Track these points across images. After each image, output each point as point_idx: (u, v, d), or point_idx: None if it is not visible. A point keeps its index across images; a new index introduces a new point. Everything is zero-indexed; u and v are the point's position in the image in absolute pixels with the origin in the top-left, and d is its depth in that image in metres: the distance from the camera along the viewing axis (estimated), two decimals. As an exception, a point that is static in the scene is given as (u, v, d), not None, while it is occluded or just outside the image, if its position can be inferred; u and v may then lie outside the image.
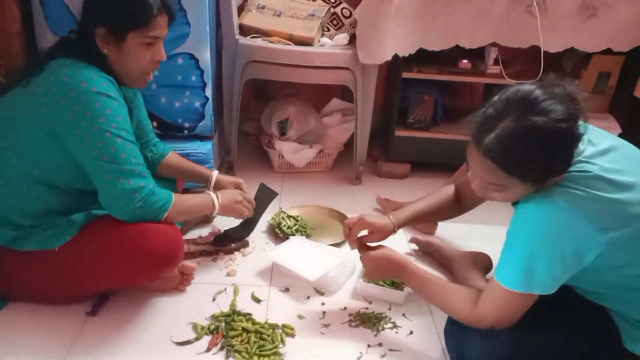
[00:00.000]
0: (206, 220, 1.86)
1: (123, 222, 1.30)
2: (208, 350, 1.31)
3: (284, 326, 1.39)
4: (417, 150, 2.28)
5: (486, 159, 1.03)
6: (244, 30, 2.10)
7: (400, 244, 1.79)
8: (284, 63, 2.01)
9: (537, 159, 1.00)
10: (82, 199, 1.37)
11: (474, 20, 1.95)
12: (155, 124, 1.94)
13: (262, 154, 2.40)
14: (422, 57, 2.07)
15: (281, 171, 2.34)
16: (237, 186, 1.68)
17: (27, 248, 1.31)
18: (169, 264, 1.38)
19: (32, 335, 1.32)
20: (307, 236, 1.80)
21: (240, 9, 2.15)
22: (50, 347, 1.29)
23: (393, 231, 1.44)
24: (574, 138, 1.02)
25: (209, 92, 1.93)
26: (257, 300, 1.50)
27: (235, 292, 1.52)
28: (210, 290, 1.52)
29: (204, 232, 1.79)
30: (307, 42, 2.04)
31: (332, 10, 2.19)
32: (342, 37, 2.11)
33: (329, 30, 2.19)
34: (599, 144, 1.10)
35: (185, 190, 1.81)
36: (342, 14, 2.20)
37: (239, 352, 1.28)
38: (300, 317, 1.45)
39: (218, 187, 1.63)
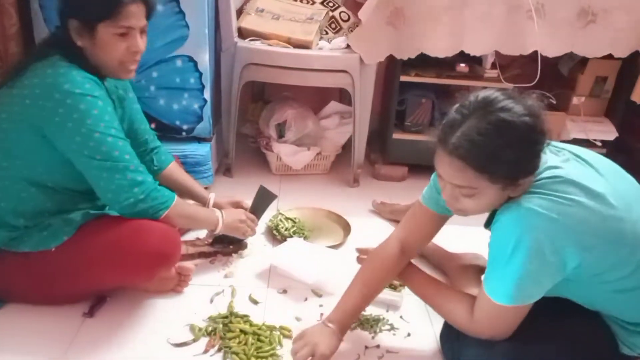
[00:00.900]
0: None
1: (120, 222, 1.30)
2: (205, 351, 1.31)
3: (281, 328, 1.39)
4: (414, 153, 2.29)
5: (453, 158, 1.03)
6: (243, 33, 2.10)
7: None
8: (283, 66, 2.02)
9: (504, 153, 1.00)
10: (75, 198, 1.37)
11: (475, 26, 1.95)
12: (153, 125, 1.94)
13: (260, 156, 2.40)
14: (419, 61, 2.08)
15: (279, 173, 2.34)
16: (236, 205, 1.69)
17: (23, 249, 1.31)
18: (166, 263, 1.38)
19: (29, 337, 1.32)
20: (305, 238, 1.80)
21: (239, 12, 2.15)
22: (47, 348, 1.28)
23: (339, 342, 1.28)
24: (538, 132, 1.02)
25: (207, 94, 1.93)
26: (255, 302, 1.50)
27: (233, 294, 1.52)
28: (207, 291, 1.52)
29: (202, 233, 1.79)
30: (305, 45, 2.05)
31: (331, 13, 2.20)
32: (340, 41, 2.12)
33: (327, 33, 2.20)
34: (560, 154, 1.12)
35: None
36: (341, 18, 2.21)
37: (237, 353, 1.28)
38: (297, 319, 1.45)
39: (216, 208, 1.62)
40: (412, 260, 1.37)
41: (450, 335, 1.26)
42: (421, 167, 2.32)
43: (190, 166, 1.96)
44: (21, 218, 1.31)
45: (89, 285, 1.38)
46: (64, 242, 1.30)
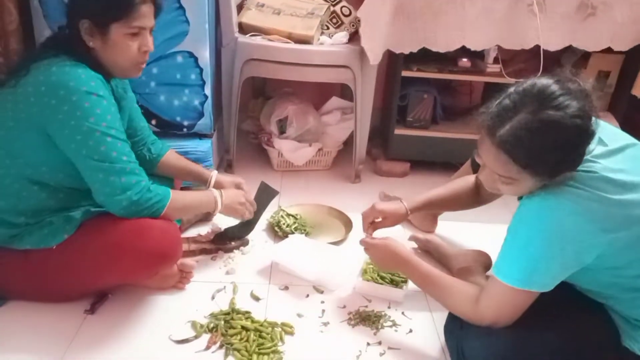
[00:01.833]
0: (206, 218, 1.86)
1: (121, 219, 1.30)
2: (207, 348, 1.30)
3: (283, 324, 1.39)
4: (416, 149, 2.28)
5: (499, 150, 1.02)
6: (243, 29, 2.09)
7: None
8: (283, 61, 2.00)
9: (551, 153, 1.00)
10: (76, 197, 1.37)
11: (477, 21, 1.94)
12: (154, 122, 1.94)
13: (261, 152, 2.40)
14: (421, 56, 2.07)
15: (280, 170, 2.33)
16: (238, 186, 1.68)
17: (24, 247, 1.30)
18: (167, 261, 1.38)
19: (31, 334, 1.32)
20: (307, 234, 1.80)
21: (240, 7, 2.14)
22: (48, 345, 1.28)
23: (406, 215, 1.49)
24: (588, 135, 1.01)
25: (208, 90, 1.93)
26: (256, 299, 1.50)
27: (235, 291, 1.52)
28: (209, 288, 1.52)
29: (203, 230, 1.79)
30: (306, 41, 2.04)
31: (332, 8, 2.19)
32: (342, 36, 2.11)
33: (328, 28, 2.19)
34: (610, 144, 1.10)
35: (184, 189, 1.80)
36: (342, 12, 2.20)
37: (238, 350, 1.28)
38: (299, 315, 1.44)
39: (218, 187, 1.62)
40: (415, 255, 1.37)
41: (455, 327, 1.26)
42: (423, 163, 2.32)
43: (192, 162, 1.95)
44: (22, 216, 1.31)
45: (90, 283, 1.38)
46: (64, 240, 1.30)
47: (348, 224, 1.88)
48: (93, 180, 1.27)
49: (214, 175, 1.67)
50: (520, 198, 1.15)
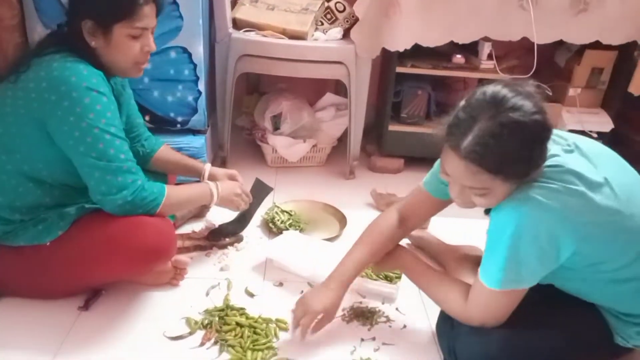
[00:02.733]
0: (200, 213, 1.86)
1: (115, 216, 1.29)
2: (201, 344, 1.31)
3: (277, 320, 1.39)
4: (410, 145, 2.29)
5: (467, 162, 1.01)
6: (237, 24, 2.09)
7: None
8: (278, 57, 2.00)
9: (519, 153, 1.00)
10: (72, 194, 1.36)
11: (467, 15, 1.95)
12: (147, 118, 1.93)
13: (255, 148, 2.39)
14: (415, 52, 2.07)
15: (275, 166, 2.33)
16: (232, 178, 1.67)
17: (18, 243, 1.30)
18: (161, 257, 1.38)
19: (25, 330, 1.31)
20: (301, 231, 1.80)
21: (234, 3, 2.14)
22: (42, 341, 1.28)
23: (340, 301, 1.33)
24: (548, 129, 1.02)
25: (202, 86, 1.92)
26: (251, 295, 1.50)
27: (229, 287, 1.52)
28: (203, 284, 1.52)
29: (198, 226, 1.79)
30: (300, 36, 2.03)
31: (326, 4, 2.18)
32: (336, 32, 2.11)
33: (322, 24, 2.18)
34: (562, 143, 1.12)
35: (179, 184, 1.79)
36: (336, 8, 2.19)
37: (233, 346, 1.28)
38: (294, 311, 1.44)
39: (212, 179, 1.61)
40: (409, 252, 1.37)
41: (446, 326, 1.27)
42: (417, 159, 2.32)
43: (185, 159, 1.94)
44: (17, 213, 1.31)
45: (84, 279, 1.37)
46: (58, 236, 1.29)
47: (342, 220, 1.89)
48: (89, 178, 1.27)
49: (208, 168, 1.67)
50: (487, 212, 1.14)
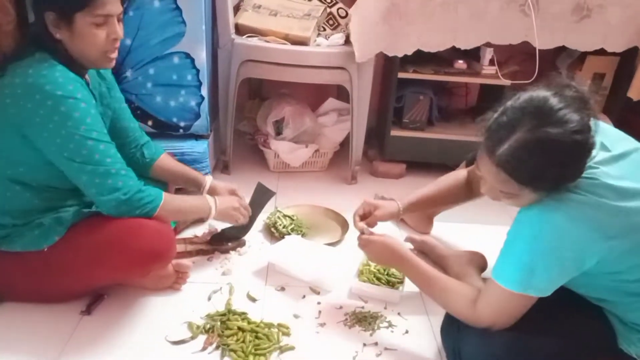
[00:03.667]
0: (201, 220, 1.86)
1: (112, 220, 1.29)
2: (203, 349, 1.30)
3: (279, 325, 1.39)
4: (412, 150, 2.29)
5: (499, 169, 1.02)
6: (240, 30, 2.10)
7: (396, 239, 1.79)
8: (280, 62, 2.01)
9: (550, 171, 1.00)
10: (62, 196, 1.35)
11: (469, 21, 1.95)
12: (150, 123, 1.93)
13: (257, 153, 2.40)
14: (417, 58, 2.08)
15: (277, 171, 2.34)
16: (232, 193, 1.67)
17: (15, 249, 1.30)
18: (160, 260, 1.37)
19: (27, 335, 1.31)
20: (303, 235, 1.80)
21: (236, 9, 2.14)
22: (44, 346, 1.28)
23: (398, 211, 1.49)
24: (587, 149, 1.01)
25: (204, 91, 1.93)
26: (253, 300, 1.50)
27: (231, 291, 1.52)
28: (205, 289, 1.52)
29: (200, 231, 1.79)
30: (303, 42, 2.04)
31: (328, 10, 2.20)
32: (338, 37, 2.12)
33: (324, 30, 2.19)
34: (613, 149, 1.10)
35: (178, 190, 1.79)
36: (338, 14, 2.21)
37: (234, 351, 1.28)
38: (295, 316, 1.44)
39: (212, 193, 1.62)
40: (414, 254, 1.38)
41: (451, 328, 1.26)
42: (419, 164, 2.33)
43: (188, 163, 1.93)
44: (8, 216, 1.30)
45: (83, 284, 1.37)
46: (55, 241, 1.29)
47: (344, 225, 1.89)
48: (78, 181, 1.27)
49: (209, 180, 1.66)
50: None
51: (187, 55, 1.86)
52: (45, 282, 1.33)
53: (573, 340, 1.15)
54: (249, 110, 2.52)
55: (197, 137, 2.02)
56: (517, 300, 1.10)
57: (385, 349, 1.35)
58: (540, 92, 1.02)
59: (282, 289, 1.56)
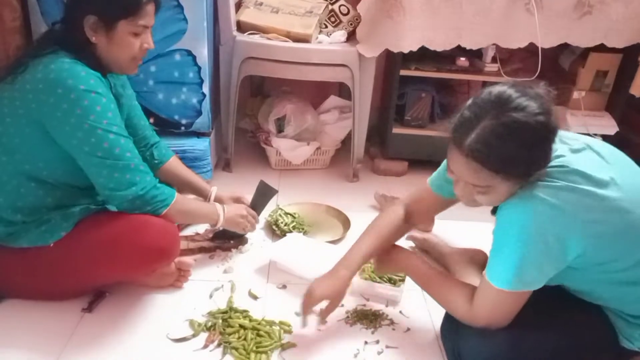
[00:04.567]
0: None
1: (118, 217, 1.30)
2: (205, 347, 1.30)
3: (281, 323, 1.39)
4: (414, 147, 2.29)
5: (469, 159, 1.03)
6: (242, 27, 2.09)
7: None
8: (282, 60, 2.01)
9: (520, 153, 1.01)
10: (74, 194, 1.36)
11: (474, 19, 1.95)
12: (152, 120, 1.93)
13: (259, 151, 2.40)
14: (419, 55, 2.07)
15: (278, 168, 2.33)
16: (238, 201, 1.69)
17: (21, 245, 1.30)
18: (165, 258, 1.38)
19: (29, 332, 1.31)
20: (305, 233, 1.80)
21: (238, 6, 2.14)
22: (46, 343, 1.28)
23: (347, 286, 1.33)
24: (551, 130, 1.03)
25: (206, 88, 1.93)
26: (254, 297, 1.50)
27: (232, 289, 1.52)
28: (207, 287, 1.52)
29: (202, 228, 1.79)
30: (304, 39, 2.04)
31: (330, 7, 2.19)
32: (340, 34, 2.11)
33: (326, 27, 2.19)
34: (572, 144, 1.12)
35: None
36: (340, 11, 2.20)
37: (236, 349, 1.28)
38: (297, 314, 1.44)
39: (217, 202, 1.62)
40: (413, 254, 1.37)
41: (451, 328, 1.26)
42: (421, 161, 2.32)
43: (189, 161, 1.95)
44: (19, 213, 1.31)
45: (87, 281, 1.38)
46: (62, 237, 1.29)
47: (346, 223, 1.89)
48: (97, 176, 1.27)
49: (214, 190, 1.67)
50: (493, 212, 1.15)
51: (189, 53, 1.86)
52: (50, 279, 1.33)
53: (573, 338, 1.15)
54: (251, 108, 2.52)
55: (199, 134, 2.02)
56: (511, 298, 1.10)
57: (387, 346, 1.35)
58: (498, 87, 1.05)
59: (284, 286, 1.56)
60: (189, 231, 1.78)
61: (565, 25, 1.97)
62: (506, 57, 2.23)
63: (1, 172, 1.29)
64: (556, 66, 2.31)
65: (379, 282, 1.54)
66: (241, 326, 1.35)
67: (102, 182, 1.27)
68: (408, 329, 1.42)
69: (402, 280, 1.55)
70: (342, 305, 1.48)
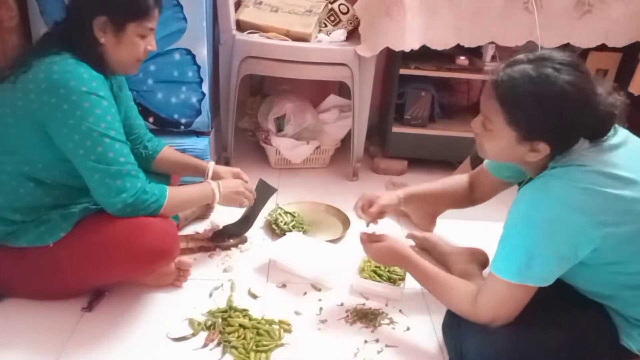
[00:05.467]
0: (204, 214, 1.86)
1: (118, 218, 1.29)
2: (205, 346, 1.30)
3: (280, 322, 1.39)
4: (414, 146, 2.29)
5: (490, 86, 1.09)
6: (241, 26, 2.09)
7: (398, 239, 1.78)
8: (281, 59, 2.01)
9: (528, 101, 1.04)
10: (73, 194, 1.36)
11: (473, 17, 1.95)
12: (151, 119, 1.93)
13: (258, 150, 2.40)
14: (419, 54, 2.07)
15: (278, 167, 2.33)
16: (237, 176, 1.67)
17: (20, 244, 1.30)
18: (165, 258, 1.38)
19: (28, 331, 1.31)
20: (304, 232, 1.80)
21: (237, 5, 2.14)
22: (46, 342, 1.28)
23: (399, 201, 1.51)
24: (574, 109, 1.03)
25: (205, 87, 1.92)
26: (254, 296, 1.50)
27: (232, 288, 1.52)
28: (207, 286, 1.52)
29: (201, 227, 1.79)
30: (304, 38, 2.04)
31: (330, 6, 2.19)
32: (339, 33, 2.11)
33: (326, 26, 2.19)
34: (611, 139, 1.11)
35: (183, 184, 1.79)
36: (340, 10, 2.20)
37: (236, 348, 1.28)
38: (297, 313, 1.44)
39: (216, 178, 1.61)
40: (415, 252, 1.37)
41: (452, 324, 1.26)
42: (421, 160, 2.32)
43: (189, 160, 1.95)
44: (18, 213, 1.31)
45: (87, 280, 1.38)
46: (61, 237, 1.29)
47: (346, 222, 1.88)
48: (90, 180, 1.27)
49: (211, 166, 1.66)
50: (520, 185, 1.17)
51: (188, 52, 1.86)
52: (49, 278, 1.33)
53: (574, 336, 1.15)
54: (250, 107, 2.52)
55: (198, 133, 2.02)
56: (517, 291, 1.10)
57: (387, 345, 1.35)
58: (562, 52, 1.09)
59: (284, 285, 1.56)
60: (188, 230, 1.78)
61: (566, 24, 1.97)
62: (506, 56, 2.21)
63: (1, 173, 1.29)
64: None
65: (378, 281, 1.54)
66: (241, 325, 1.35)
67: (94, 186, 1.27)
68: (408, 328, 1.42)
69: (402, 280, 1.55)
70: (342, 304, 1.49)
